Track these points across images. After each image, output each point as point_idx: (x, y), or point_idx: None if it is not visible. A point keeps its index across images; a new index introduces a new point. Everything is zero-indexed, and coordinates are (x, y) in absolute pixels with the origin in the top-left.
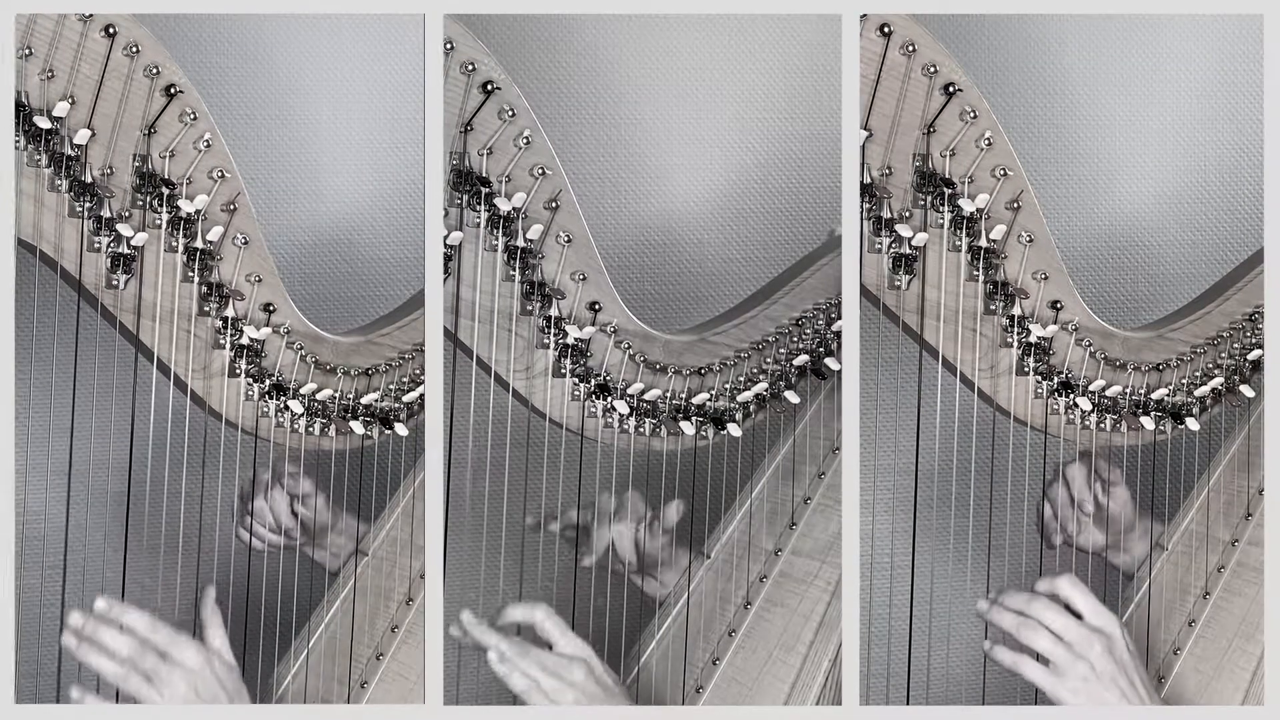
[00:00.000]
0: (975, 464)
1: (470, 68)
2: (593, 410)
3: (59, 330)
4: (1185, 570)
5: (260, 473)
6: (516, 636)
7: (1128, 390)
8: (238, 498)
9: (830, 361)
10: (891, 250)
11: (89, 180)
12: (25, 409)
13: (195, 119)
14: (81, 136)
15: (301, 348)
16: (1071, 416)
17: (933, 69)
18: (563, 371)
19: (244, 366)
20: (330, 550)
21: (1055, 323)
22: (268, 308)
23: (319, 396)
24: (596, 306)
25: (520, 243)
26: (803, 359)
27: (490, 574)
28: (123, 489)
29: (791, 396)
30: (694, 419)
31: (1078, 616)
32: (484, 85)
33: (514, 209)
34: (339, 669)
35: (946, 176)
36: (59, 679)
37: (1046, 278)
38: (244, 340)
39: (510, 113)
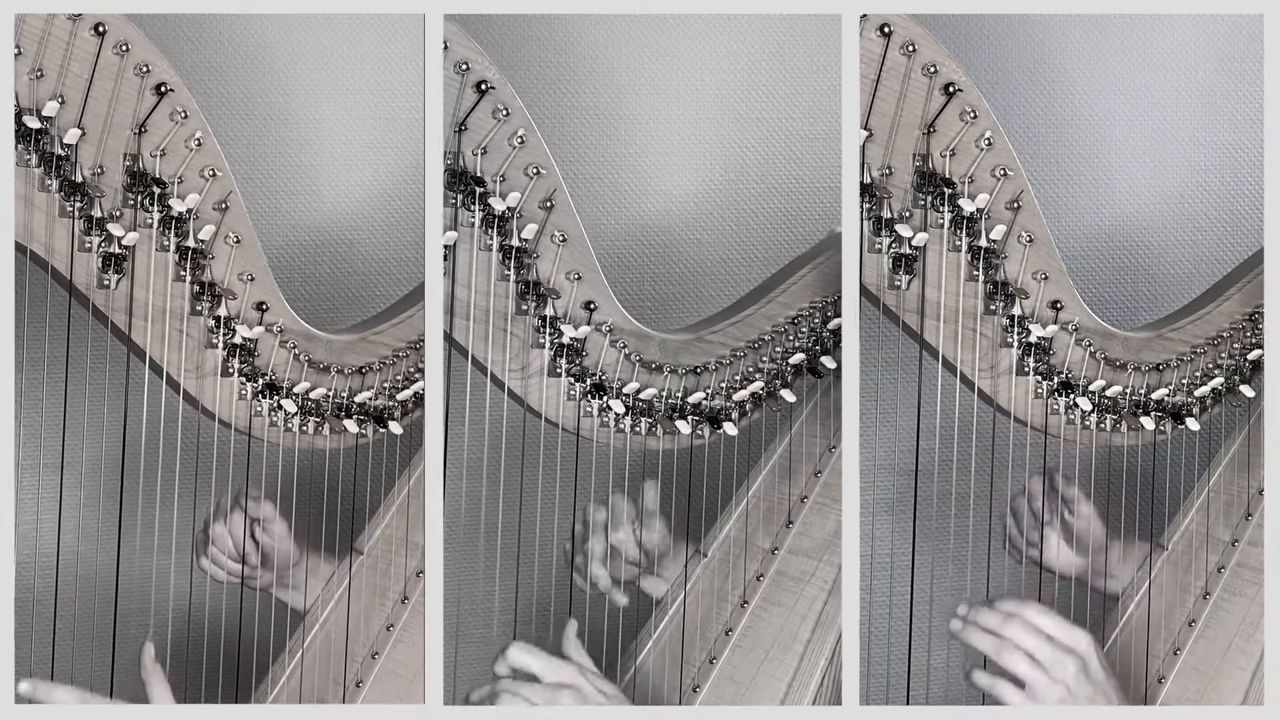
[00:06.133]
0: (975, 464)
1: (464, 67)
2: (588, 409)
3: (50, 331)
4: (1185, 570)
5: (222, 499)
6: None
7: (1128, 390)
8: (200, 529)
9: (826, 360)
10: (891, 250)
11: (79, 180)
12: (18, 410)
13: (186, 117)
14: (71, 136)
15: (295, 346)
16: (1071, 416)
17: (933, 69)
18: (558, 371)
19: (237, 366)
20: (292, 587)
21: (1055, 323)
22: (260, 306)
23: (312, 395)
24: (592, 306)
25: (515, 242)
26: (799, 357)
27: (487, 573)
28: (116, 489)
29: (788, 395)
30: (690, 418)
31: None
32: (478, 85)
33: (508, 209)
34: (334, 668)
35: (946, 176)
36: (53, 676)
37: (1046, 278)
38: (237, 339)
39: (504, 112)
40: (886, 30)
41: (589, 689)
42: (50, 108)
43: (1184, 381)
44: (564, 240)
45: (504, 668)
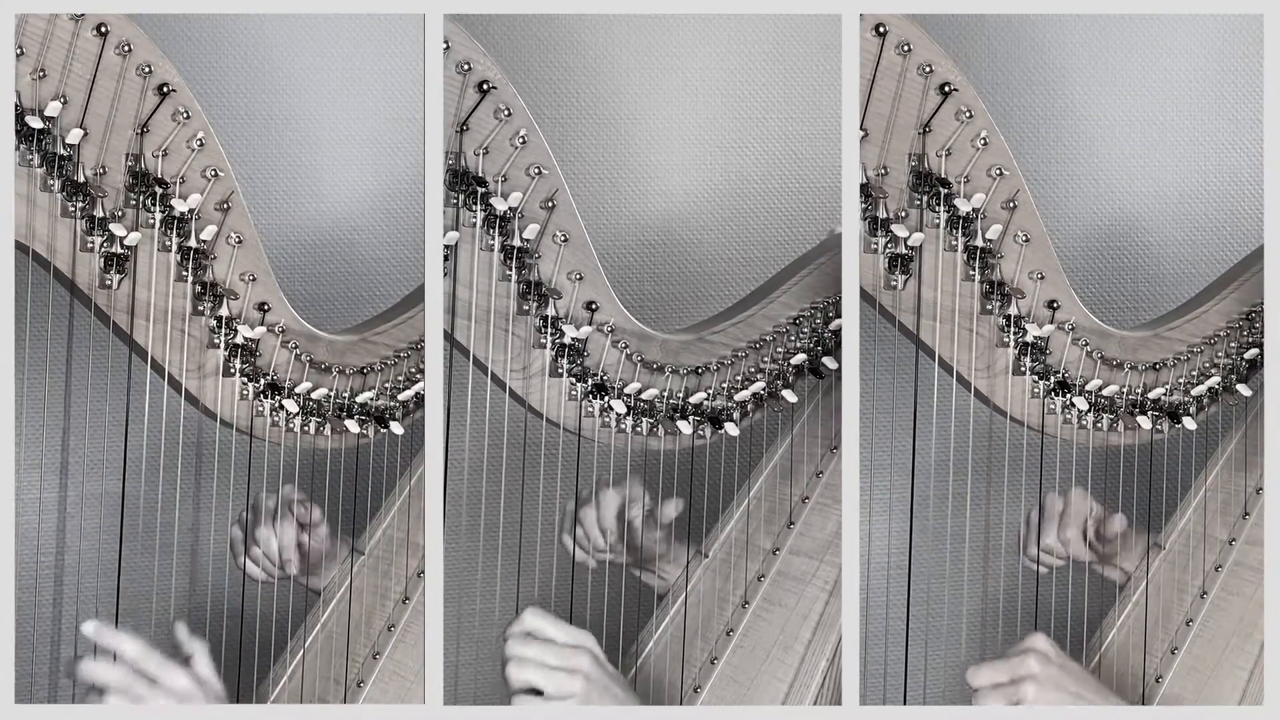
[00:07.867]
0: (972, 463)
1: (466, 67)
2: (590, 410)
3: (52, 331)
4: (1183, 570)
5: (264, 499)
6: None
7: (1124, 390)
8: (237, 525)
9: (828, 360)
10: (888, 250)
11: (81, 180)
12: (19, 410)
13: (188, 118)
14: (74, 136)
15: (296, 346)
16: (1068, 416)
17: (928, 68)
18: (560, 371)
19: (238, 366)
20: (325, 577)
21: (1052, 322)
22: (262, 307)
23: (314, 395)
24: (593, 306)
25: (517, 242)
26: (800, 358)
27: (488, 574)
28: (117, 489)
29: (789, 395)
30: (691, 418)
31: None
32: (480, 85)
33: (510, 209)
34: (335, 668)
35: (942, 176)
36: (53, 678)
37: (1043, 277)
38: (238, 339)
39: (506, 112)
40: (882, 30)
41: (600, 655)
42: (53, 108)
43: (1181, 381)
44: (565, 240)
45: (518, 630)
